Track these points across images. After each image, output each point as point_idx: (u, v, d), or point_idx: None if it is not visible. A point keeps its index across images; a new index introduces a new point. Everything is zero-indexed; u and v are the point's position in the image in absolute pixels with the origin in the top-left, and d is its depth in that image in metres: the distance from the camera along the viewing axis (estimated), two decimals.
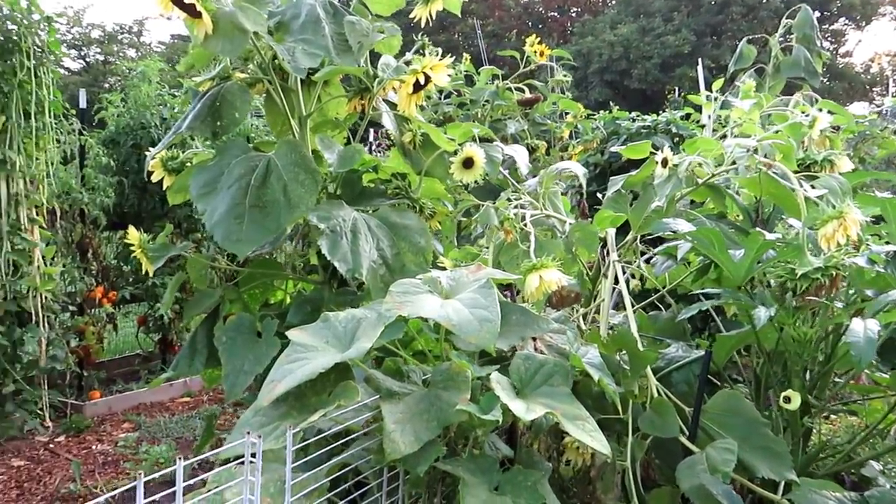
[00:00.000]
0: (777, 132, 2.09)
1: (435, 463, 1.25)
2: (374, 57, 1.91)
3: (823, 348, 2.11)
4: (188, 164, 2.06)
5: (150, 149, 2.01)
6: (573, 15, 30.17)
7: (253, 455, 0.99)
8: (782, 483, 1.67)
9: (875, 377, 2.38)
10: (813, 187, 1.84)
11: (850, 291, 1.93)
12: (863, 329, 1.48)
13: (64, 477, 3.81)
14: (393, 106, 1.97)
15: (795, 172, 2.00)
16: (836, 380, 2.38)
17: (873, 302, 1.63)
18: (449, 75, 1.66)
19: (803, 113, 2.03)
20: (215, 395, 5.58)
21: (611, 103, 5.91)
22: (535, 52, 4.34)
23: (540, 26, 30.31)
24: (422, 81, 1.63)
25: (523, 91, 4.41)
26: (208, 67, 1.99)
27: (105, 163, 4.68)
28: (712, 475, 1.55)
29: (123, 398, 5.07)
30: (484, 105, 4.42)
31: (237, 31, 1.56)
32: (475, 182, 2.45)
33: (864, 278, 1.88)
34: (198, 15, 1.55)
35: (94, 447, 4.33)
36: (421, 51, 1.73)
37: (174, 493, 0.95)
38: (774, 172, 1.89)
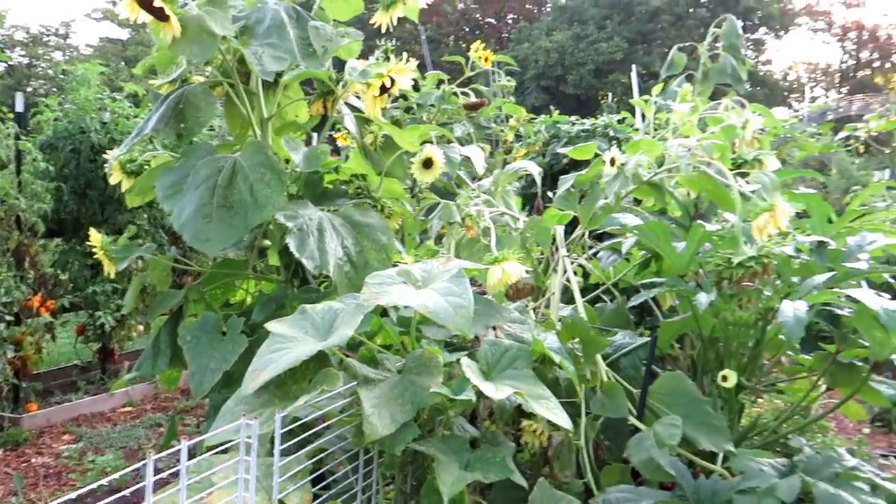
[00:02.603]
0: (713, 133, 2.25)
1: (410, 444, 1.33)
2: (335, 62, 1.97)
3: (754, 333, 2.28)
4: (146, 166, 2.08)
5: (91, 153, 2.02)
6: (509, 22, 30.69)
7: (248, 437, 1.04)
8: (721, 454, 1.82)
9: (799, 359, 2.58)
10: (748, 183, 2.00)
11: (779, 279, 2.11)
12: (792, 310, 1.63)
13: (5, 491, 3.70)
14: (353, 109, 2.03)
15: (731, 170, 2.17)
16: (765, 362, 2.58)
17: (800, 287, 1.80)
18: (414, 79, 1.74)
19: (736, 116, 2.20)
20: (158, 404, 5.48)
21: (551, 107, 6.09)
22: (480, 57, 4.45)
23: (477, 32, 30.71)
24: (388, 85, 1.71)
25: (469, 95, 4.52)
26: (168, 71, 2.01)
27: (43, 168, 4.56)
28: (659, 448, 1.68)
29: (62, 409, 4.93)
30: (430, 109, 4.52)
31: (206, 35, 1.60)
32: (426, 184, 2.54)
33: (792, 266, 2.05)
34: (165, 18, 1.58)
35: (33, 460, 4.22)
36: (385, 55, 1.80)
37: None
38: (712, 170, 2.04)
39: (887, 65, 36.49)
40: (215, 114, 1.90)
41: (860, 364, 2.23)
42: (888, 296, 1.79)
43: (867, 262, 1.88)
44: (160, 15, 1.57)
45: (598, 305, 2.60)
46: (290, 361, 1.22)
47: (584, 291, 2.60)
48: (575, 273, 2.65)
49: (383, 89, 1.71)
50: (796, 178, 3.86)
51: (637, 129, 3.15)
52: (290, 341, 1.30)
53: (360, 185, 2.04)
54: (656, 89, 2.80)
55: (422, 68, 5.05)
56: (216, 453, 1.21)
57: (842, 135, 6.34)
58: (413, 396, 1.34)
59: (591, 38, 24.90)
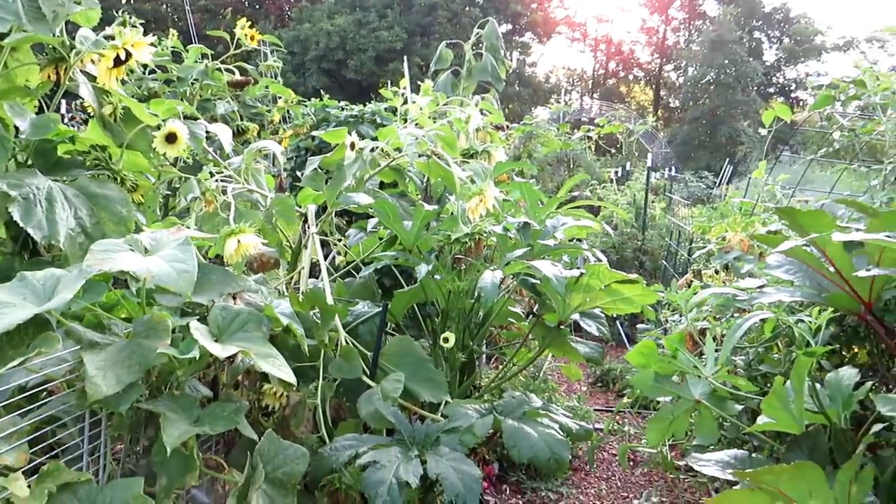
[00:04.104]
0: (444, 125, 2.55)
1: (137, 403, 1.40)
2: (75, 27, 1.91)
3: (482, 304, 2.64)
4: None
5: None
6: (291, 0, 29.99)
7: None
8: (442, 404, 2.11)
9: (520, 325, 3.01)
10: (465, 171, 2.31)
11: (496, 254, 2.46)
12: (490, 278, 1.95)
13: None
14: (93, 77, 1.99)
15: (460, 159, 2.48)
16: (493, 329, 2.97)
17: (502, 259, 2.14)
18: (155, 52, 1.76)
19: (460, 111, 2.50)
20: None
21: (324, 91, 6.19)
22: (246, 35, 4.42)
23: (257, 7, 29.60)
24: (122, 57, 1.71)
25: (234, 73, 4.47)
26: None
27: None
28: (385, 401, 1.92)
29: None
30: (192, 83, 4.39)
31: None
32: (183, 161, 2.54)
33: (506, 243, 2.41)
34: None
35: None
36: (124, 25, 1.79)
37: None
38: (437, 157, 2.32)
39: (630, 76, 41.65)
40: None
41: (564, 328, 2.68)
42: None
43: (557, 240, 2.28)
44: None
45: (347, 280, 2.80)
46: (4, 326, 1.23)
47: (343, 267, 2.78)
48: (337, 255, 2.83)
49: (119, 61, 1.72)
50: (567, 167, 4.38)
51: (405, 118, 3.39)
52: (6, 307, 1.30)
53: (99, 156, 2.01)
54: (403, 82, 3.05)
55: (187, 39, 4.86)
56: None
57: (578, 135, 7.25)
58: (141, 358, 1.40)
59: (372, 26, 25.26)
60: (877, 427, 1.49)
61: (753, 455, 1.78)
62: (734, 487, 1.44)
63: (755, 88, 32.27)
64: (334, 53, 24.77)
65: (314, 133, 3.64)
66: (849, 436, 1.75)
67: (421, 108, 2.62)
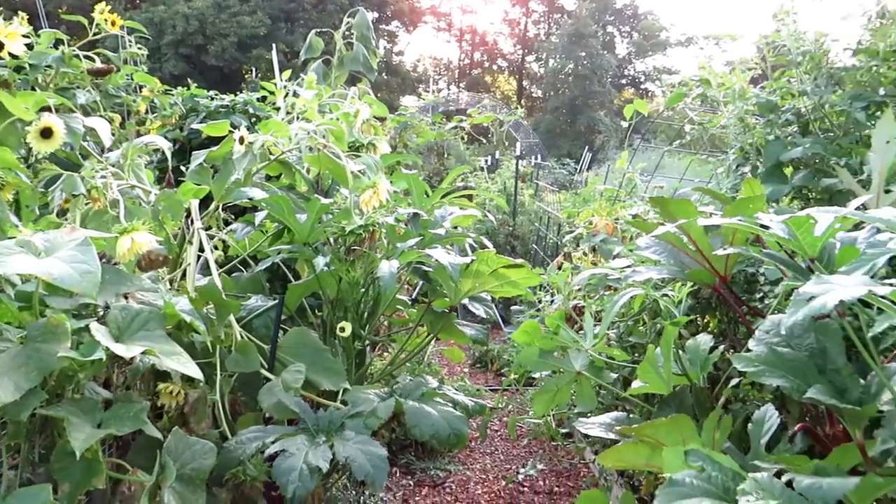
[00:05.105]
0: (333, 119, 2.58)
1: (39, 409, 1.36)
2: None
3: (372, 294, 2.70)
4: None
5: None
6: None
7: None
8: (341, 392, 2.16)
9: (409, 312, 3.11)
10: (357, 165, 2.36)
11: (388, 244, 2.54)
12: (387, 267, 2.03)
13: None
14: None
15: (347, 152, 2.52)
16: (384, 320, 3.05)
17: (394, 248, 2.22)
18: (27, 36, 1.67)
19: (350, 105, 2.55)
20: None
21: (183, 78, 5.95)
22: (106, 20, 4.18)
23: None
24: None
25: (93, 60, 4.22)
26: None
27: None
28: (286, 392, 1.95)
29: None
30: (46, 71, 4.10)
31: None
32: (44, 155, 2.40)
33: (397, 234, 2.49)
34: None
35: None
36: None
37: None
38: (330, 151, 2.35)
39: (494, 66, 42.83)
40: None
41: (451, 312, 2.80)
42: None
43: (446, 229, 2.40)
44: None
45: (235, 274, 2.77)
46: None
47: (226, 266, 2.74)
48: (216, 247, 2.78)
49: None
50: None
51: (278, 109, 3.35)
52: None
53: None
54: (286, 74, 3.04)
55: (37, 23, 4.51)
56: None
57: (450, 125, 7.44)
58: (39, 363, 1.36)
59: (233, 10, 24.29)
60: (734, 382, 1.73)
61: (630, 416, 2.00)
62: (616, 445, 1.62)
63: (610, 80, 34.30)
64: (193, 38, 23.60)
65: (194, 125, 3.53)
66: (706, 394, 2.01)
67: (307, 101, 2.63)
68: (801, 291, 0.99)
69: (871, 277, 1.16)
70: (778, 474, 1.19)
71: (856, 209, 1.38)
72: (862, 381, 1.36)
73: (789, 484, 1.14)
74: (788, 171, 2.59)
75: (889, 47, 2.53)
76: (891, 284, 1.04)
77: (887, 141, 1.59)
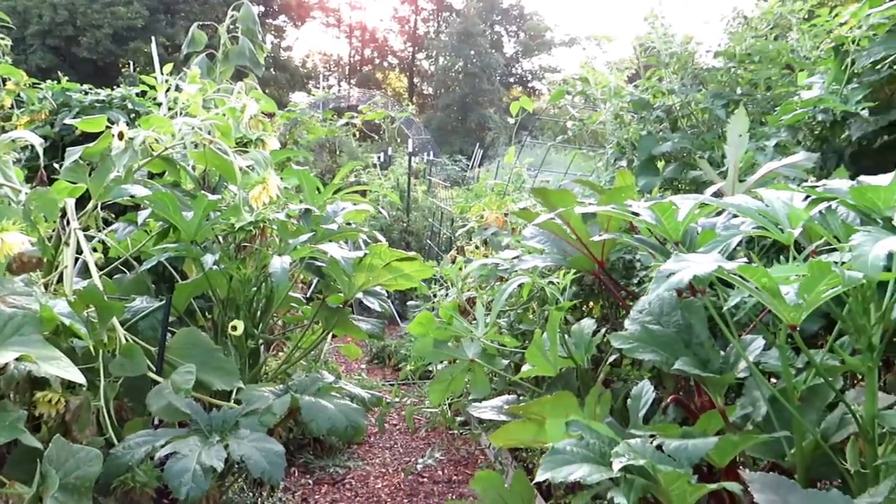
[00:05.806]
0: (220, 114, 2.52)
1: None
2: None
3: (265, 291, 2.67)
4: None
5: None
6: None
7: None
8: (234, 391, 2.13)
9: (303, 309, 3.09)
10: (246, 161, 2.32)
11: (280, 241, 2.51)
12: (279, 263, 2.02)
13: None
14: None
15: (235, 148, 2.47)
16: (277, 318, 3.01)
17: (286, 244, 2.21)
18: None
19: (237, 100, 2.50)
20: None
21: (52, 70, 5.60)
22: None
23: None
24: None
25: None
26: None
27: None
28: (177, 394, 1.90)
29: None
30: None
31: None
32: None
33: (289, 230, 2.47)
34: None
35: None
36: None
37: None
38: (217, 148, 2.30)
39: (385, 63, 42.77)
40: None
41: (347, 308, 2.81)
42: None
43: (338, 224, 2.41)
44: None
45: (117, 276, 2.65)
46: None
47: (109, 264, 2.62)
48: (96, 249, 2.65)
49: None
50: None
51: (160, 104, 3.22)
52: None
53: None
54: (167, 68, 2.94)
55: None
56: None
57: (341, 121, 7.39)
58: None
59: (106, 0, 22.92)
60: (612, 359, 1.86)
61: (521, 398, 2.09)
62: (506, 424, 1.70)
63: (498, 78, 35.12)
64: (62, 29, 22.09)
65: (67, 121, 3.33)
66: (590, 374, 2.13)
67: (191, 96, 2.56)
68: (662, 269, 1.09)
69: (727, 257, 1.28)
70: (652, 441, 1.30)
71: (712, 195, 1.52)
72: (722, 353, 1.51)
73: (660, 448, 1.25)
74: (661, 164, 2.78)
75: (744, 51, 2.77)
76: (742, 262, 1.16)
77: (740, 135, 1.75)
